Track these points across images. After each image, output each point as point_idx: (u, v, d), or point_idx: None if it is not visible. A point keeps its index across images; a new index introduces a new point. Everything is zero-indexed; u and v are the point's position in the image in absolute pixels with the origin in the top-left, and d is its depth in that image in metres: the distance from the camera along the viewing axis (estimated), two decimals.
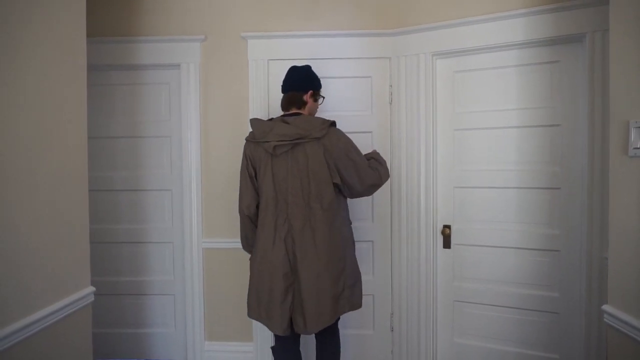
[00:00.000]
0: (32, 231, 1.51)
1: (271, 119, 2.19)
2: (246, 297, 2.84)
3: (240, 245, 2.78)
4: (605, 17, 1.93)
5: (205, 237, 2.82)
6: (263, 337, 2.78)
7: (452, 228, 2.59)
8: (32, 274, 1.51)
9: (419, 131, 2.59)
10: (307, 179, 2.06)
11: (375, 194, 2.35)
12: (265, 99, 2.73)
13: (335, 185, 2.09)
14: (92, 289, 1.85)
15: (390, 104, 2.69)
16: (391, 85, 2.69)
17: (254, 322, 2.77)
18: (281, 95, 2.24)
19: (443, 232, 2.59)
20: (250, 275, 2.19)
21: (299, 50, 2.70)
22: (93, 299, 1.86)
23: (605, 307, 1.56)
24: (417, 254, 2.62)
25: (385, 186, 2.53)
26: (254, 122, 2.19)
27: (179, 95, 2.83)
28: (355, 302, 2.16)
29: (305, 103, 2.20)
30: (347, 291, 2.11)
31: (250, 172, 2.16)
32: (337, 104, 2.67)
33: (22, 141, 1.47)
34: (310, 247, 2.04)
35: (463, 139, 2.55)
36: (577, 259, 2.26)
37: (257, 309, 2.12)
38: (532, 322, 2.40)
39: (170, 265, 2.93)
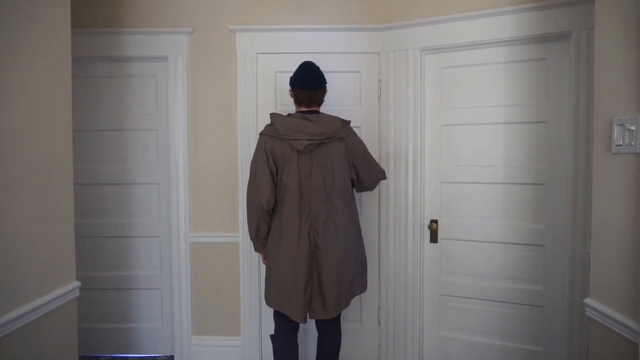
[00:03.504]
0: (15, 225, 1.49)
1: (289, 115, 2.21)
2: (233, 291, 2.87)
3: (228, 240, 2.78)
4: (590, 15, 1.95)
5: (193, 232, 2.81)
6: (250, 332, 2.78)
7: (439, 223, 2.61)
8: (15, 268, 1.48)
9: (407, 126, 2.60)
10: (331, 176, 2.14)
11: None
12: (254, 93, 2.71)
13: (351, 180, 2.24)
14: (77, 283, 1.83)
15: (379, 99, 2.70)
16: (380, 80, 2.69)
17: (242, 316, 2.78)
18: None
19: (430, 227, 2.61)
20: (268, 268, 2.22)
21: (287, 44, 2.68)
22: (78, 293, 1.84)
23: (587, 300, 1.59)
24: (404, 248, 2.64)
25: None
26: (276, 117, 2.18)
27: (167, 88, 2.80)
28: (363, 286, 2.31)
29: (322, 101, 2.29)
30: (358, 277, 2.26)
31: (272, 168, 2.13)
32: (325, 98, 2.65)
33: (5, 134, 1.44)
34: (332, 239, 2.12)
35: (451, 135, 2.57)
36: (560, 253, 2.29)
37: (279, 298, 2.16)
38: (516, 316, 2.44)
39: (157, 260, 2.91)
